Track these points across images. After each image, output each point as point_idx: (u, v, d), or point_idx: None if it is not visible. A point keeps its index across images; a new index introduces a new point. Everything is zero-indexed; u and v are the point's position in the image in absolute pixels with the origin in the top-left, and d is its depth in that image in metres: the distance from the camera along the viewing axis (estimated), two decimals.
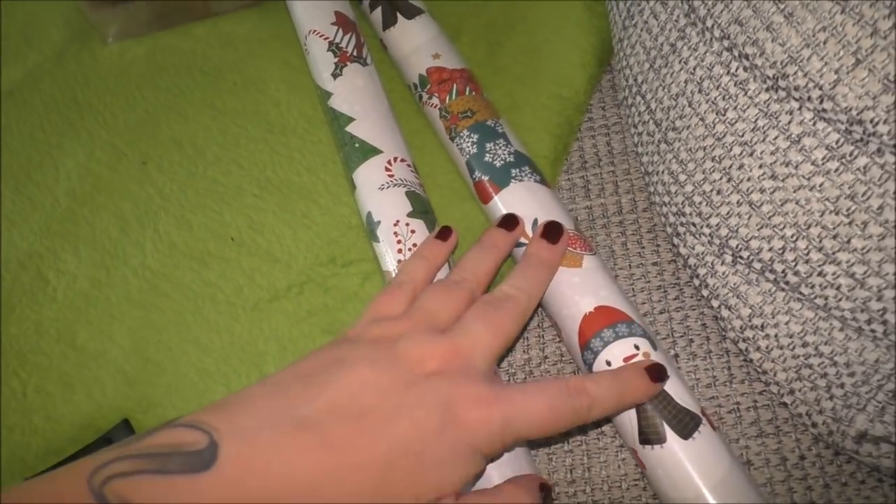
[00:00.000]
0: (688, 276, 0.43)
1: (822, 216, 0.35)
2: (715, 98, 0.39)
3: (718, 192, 0.39)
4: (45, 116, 0.54)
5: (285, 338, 0.43)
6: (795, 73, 0.34)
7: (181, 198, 0.49)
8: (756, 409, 0.41)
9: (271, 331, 0.44)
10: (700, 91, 0.40)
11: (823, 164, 0.34)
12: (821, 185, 0.34)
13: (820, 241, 0.35)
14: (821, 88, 0.33)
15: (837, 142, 0.34)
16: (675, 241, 0.43)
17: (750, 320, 0.39)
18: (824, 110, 0.33)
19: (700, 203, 0.40)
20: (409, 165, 0.44)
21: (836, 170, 0.34)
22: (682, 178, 0.41)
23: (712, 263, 0.41)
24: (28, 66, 0.57)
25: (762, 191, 0.37)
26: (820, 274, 0.35)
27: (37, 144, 0.53)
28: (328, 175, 0.49)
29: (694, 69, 0.40)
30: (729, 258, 0.40)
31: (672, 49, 0.42)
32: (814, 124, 0.34)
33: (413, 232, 0.41)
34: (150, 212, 0.49)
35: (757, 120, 0.37)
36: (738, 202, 0.38)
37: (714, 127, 0.39)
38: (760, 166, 0.37)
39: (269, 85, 0.53)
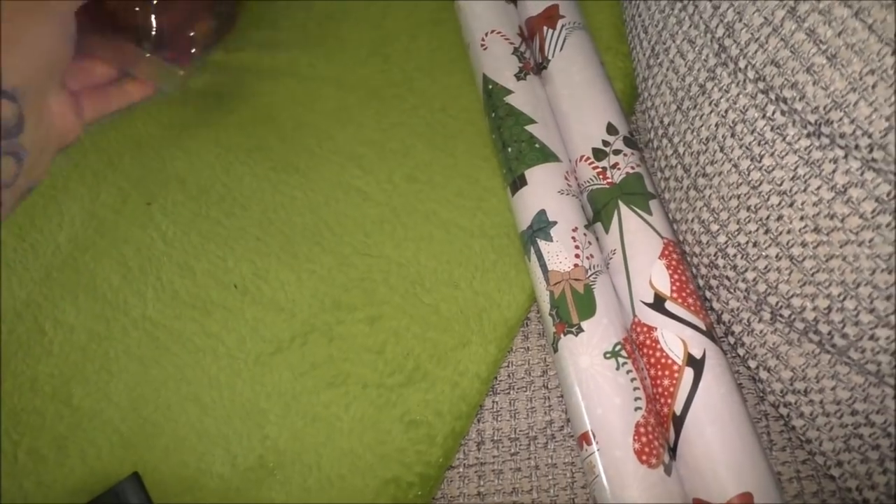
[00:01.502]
0: (721, 332, 0.40)
1: (872, 275, 0.31)
2: (749, 143, 0.36)
3: (755, 245, 0.36)
4: None
5: (288, 394, 0.41)
6: (841, 119, 0.31)
7: (184, 242, 0.47)
8: (799, 481, 0.37)
9: (273, 386, 0.41)
10: (733, 135, 0.37)
11: (873, 217, 0.31)
12: (871, 241, 0.31)
13: (871, 302, 0.32)
14: (870, 136, 0.30)
15: (889, 194, 0.30)
16: (707, 294, 0.40)
17: (792, 384, 0.36)
18: (874, 160, 0.30)
19: (734, 255, 0.37)
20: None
21: (889, 224, 0.31)
22: (714, 227, 0.38)
23: (749, 321, 0.38)
24: None
25: (804, 245, 0.34)
26: (871, 338, 0.32)
27: (41, 188, 0.51)
28: (330, 215, 0.47)
29: (725, 112, 0.37)
30: (767, 316, 0.37)
31: (701, 90, 0.39)
32: (861, 174, 0.31)
33: (590, 244, 0.41)
34: (153, 258, 0.47)
35: (797, 168, 0.34)
36: (777, 256, 0.35)
37: (749, 174, 0.36)
38: (802, 218, 0.34)
39: (276, 120, 0.51)
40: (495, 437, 0.40)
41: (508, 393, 0.41)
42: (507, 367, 0.42)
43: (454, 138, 0.50)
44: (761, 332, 0.37)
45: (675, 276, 0.39)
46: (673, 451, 0.36)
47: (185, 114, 0.53)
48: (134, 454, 0.40)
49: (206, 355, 0.43)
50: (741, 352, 0.39)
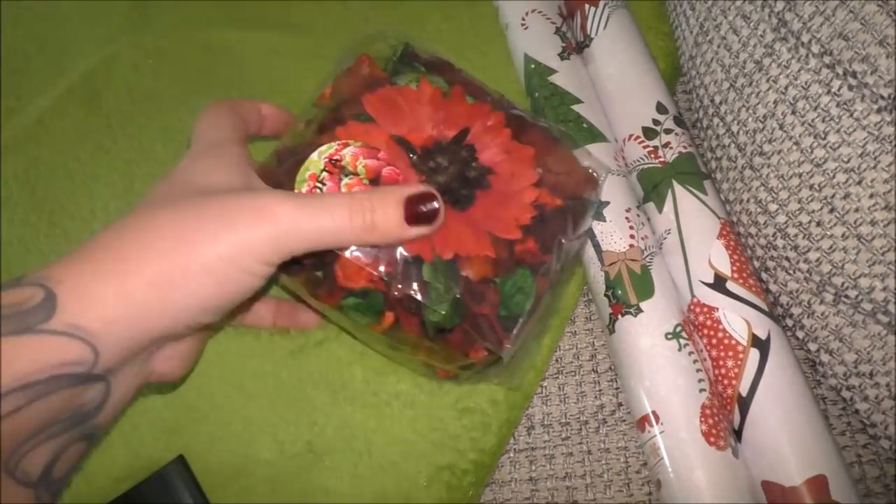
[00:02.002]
0: (779, 313, 0.39)
1: None
2: (812, 119, 0.35)
3: (818, 224, 0.35)
4: (78, 145, 0.52)
5: (336, 382, 0.40)
6: None
7: None
8: (861, 465, 0.36)
9: (320, 374, 0.40)
10: (793, 112, 0.36)
11: None
12: None
13: None
14: None
15: None
16: (764, 276, 0.39)
17: (856, 367, 0.35)
18: None
19: (795, 235, 0.37)
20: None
21: None
22: (773, 207, 0.38)
23: (809, 302, 0.37)
24: (58, 91, 0.54)
25: (874, 223, 0.33)
26: None
27: (72, 175, 0.50)
28: None
29: (785, 88, 0.37)
30: (830, 297, 0.36)
31: (757, 66, 0.38)
32: None
33: (643, 224, 0.40)
34: None
35: (866, 144, 0.33)
36: (843, 235, 0.34)
37: (812, 152, 0.35)
38: (871, 195, 0.33)
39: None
40: (545, 422, 0.40)
41: (557, 377, 0.41)
42: (555, 351, 0.41)
43: None
44: (823, 313, 0.36)
45: (735, 257, 0.38)
46: (737, 433, 0.35)
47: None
48: (178, 441, 0.40)
49: (249, 343, 0.42)
50: (800, 334, 0.38)
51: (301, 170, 0.33)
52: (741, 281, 0.37)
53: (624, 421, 0.39)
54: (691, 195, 0.40)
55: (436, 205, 0.30)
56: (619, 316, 0.38)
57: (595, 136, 0.43)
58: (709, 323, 0.37)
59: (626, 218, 0.40)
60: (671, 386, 0.35)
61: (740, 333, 0.36)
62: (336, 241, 0.30)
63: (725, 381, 0.36)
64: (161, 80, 0.54)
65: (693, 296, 0.38)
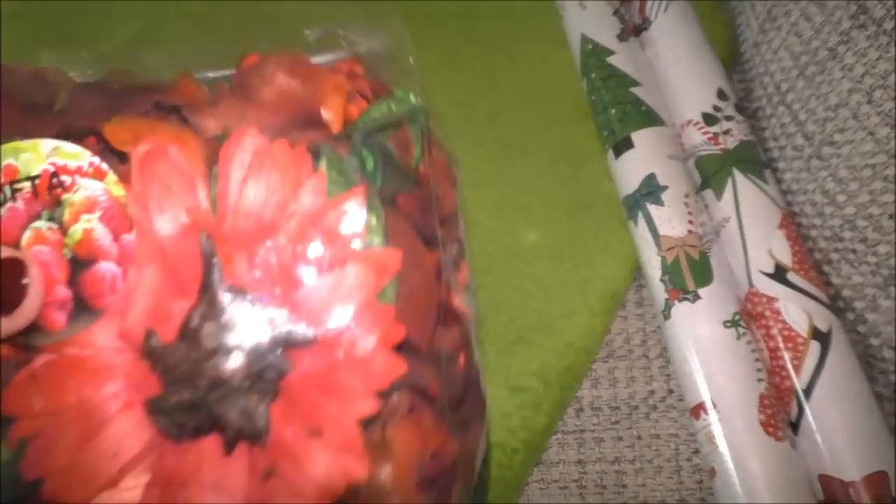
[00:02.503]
0: (840, 307, 0.39)
1: None
2: (889, 110, 0.34)
3: (890, 217, 0.35)
4: None
5: None
6: None
7: None
8: None
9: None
10: (869, 102, 0.35)
11: None
12: None
13: None
14: None
15: None
16: (826, 268, 0.39)
17: None
18: None
19: (864, 228, 0.36)
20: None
21: None
22: (841, 198, 0.37)
23: (874, 297, 0.36)
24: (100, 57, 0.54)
25: None
26: None
27: None
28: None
29: (861, 77, 0.36)
30: None
31: (831, 54, 0.38)
32: None
33: (701, 211, 0.39)
34: None
35: None
36: None
37: (888, 142, 0.34)
38: None
39: None
40: (595, 405, 0.39)
41: (607, 361, 0.40)
42: (607, 334, 0.41)
43: (546, 101, 0.48)
44: (888, 308, 0.36)
45: (797, 248, 0.37)
46: (794, 426, 0.35)
47: None
48: None
49: None
50: (862, 329, 0.37)
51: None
52: (802, 272, 0.37)
53: (675, 408, 0.38)
54: (752, 184, 0.39)
55: (24, 283, 0.20)
56: (676, 302, 0.37)
57: (653, 119, 0.42)
58: (767, 313, 0.37)
59: (685, 203, 0.39)
60: (729, 374, 0.35)
61: (801, 325, 0.36)
62: None
63: (783, 373, 0.35)
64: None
65: (751, 285, 0.38)
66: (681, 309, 0.37)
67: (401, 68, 0.29)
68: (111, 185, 0.20)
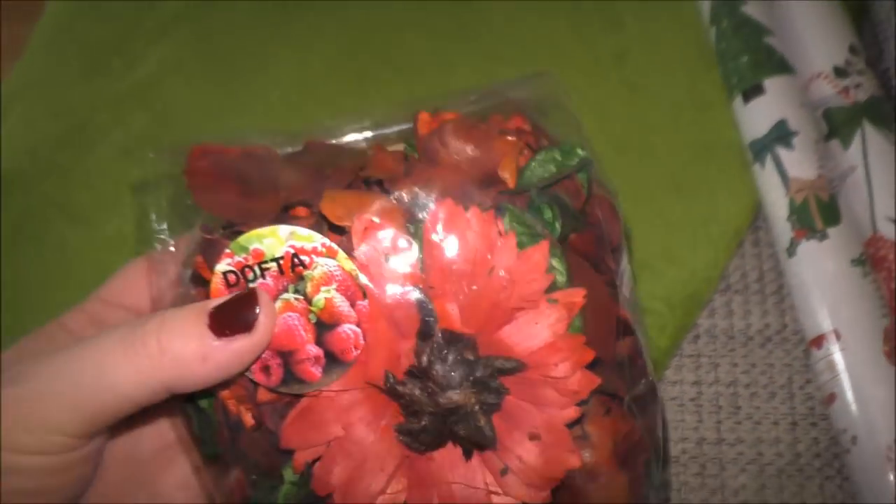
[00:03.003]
0: None
1: None
2: None
3: None
4: (254, 22, 0.53)
5: None
6: None
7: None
8: None
9: None
10: None
11: None
12: None
13: None
14: None
15: None
16: None
17: None
18: None
19: None
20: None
21: None
22: None
23: None
24: None
25: None
26: None
27: (248, 48, 0.52)
28: None
29: None
30: None
31: None
32: None
33: (830, 158, 0.41)
34: None
35: None
36: None
37: None
38: None
39: (489, 11, 0.51)
40: (712, 333, 0.42)
41: (724, 294, 0.43)
42: (725, 269, 0.43)
43: (671, 48, 0.49)
44: None
45: None
46: None
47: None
48: None
49: None
50: None
51: (240, 238, 0.24)
52: None
53: (789, 341, 0.41)
54: (882, 136, 0.41)
55: (256, 310, 0.23)
56: (803, 240, 0.39)
57: (785, 68, 0.44)
58: (890, 256, 0.39)
59: (816, 149, 0.41)
60: (855, 308, 0.37)
61: None
62: (132, 390, 0.23)
63: None
64: None
65: (875, 230, 0.40)
66: (808, 247, 0.39)
67: (562, 117, 0.30)
68: (342, 261, 0.23)
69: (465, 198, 0.24)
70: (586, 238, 0.27)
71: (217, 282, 0.24)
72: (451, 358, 0.23)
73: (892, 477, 0.34)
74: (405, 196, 0.24)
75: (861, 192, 0.41)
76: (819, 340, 0.38)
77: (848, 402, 0.36)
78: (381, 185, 0.25)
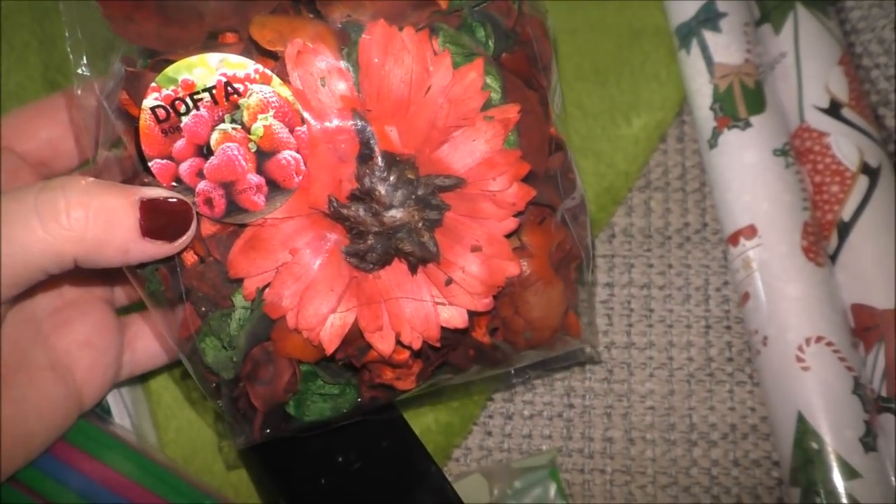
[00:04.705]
0: (893, 149, 0.38)
1: None
2: None
3: None
4: None
5: None
6: None
7: None
8: None
9: None
10: None
11: None
12: None
13: None
14: None
15: None
16: (881, 110, 0.38)
17: None
18: None
19: None
20: None
21: None
22: None
23: None
24: None
25: None
26: None
27: None
28: None
29: None
30: None
31: None
32: None
33: (759, 42, 0.39)
34: None
35: None
36: None
37: None
38: None
39: None
40: (628, 232, 0.39)
41: (643, 191, 0.40)
42: (645, 165, 0.40)
43: None
44: None
45: (854, 85, 0.36)
46: (831, 258, 0.35)
47: None
48: None
49: None
50: None
51: (168, 69, 0.23)
52: (858, 109, 0.36)
53: (708, 241, 0.38)
54: (815, 19, 0.38)
55: (189, 228, 0.24)
56: (725, 129, 0.36)
57: None
58: (816, 148, 0.36)
59: (744, 31, 0.38)
60: (775, 200, 0.34)
61: (850, 160, 0.35)
62: (45, 261, 0.22)
63: (826, 207, 0.35)
64: None
65: (802, 121, 0.37)
66: (729, 137, 0.36)
67: None
68: (278, 88, 0.23)
69: (398, 19, 0.24)
70: (518, 57, 0.27)
71: (146, 118, 0.23)
72: (392, 178, 0.24)
73: (801, 378, 0.32)
74: (338, 18, 0.24)
75: (790, 80, 0.37)
76: (736, 237, 0.35)
77: (761, 300, 0.34)
78: (313, 7, 0.24)
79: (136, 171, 0.24)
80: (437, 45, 0.24)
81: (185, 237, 0.24)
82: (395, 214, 0.24)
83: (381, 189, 0.24)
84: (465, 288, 0.25)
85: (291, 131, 0.23)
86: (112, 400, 0.33)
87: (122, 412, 0.33)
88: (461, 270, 0.25)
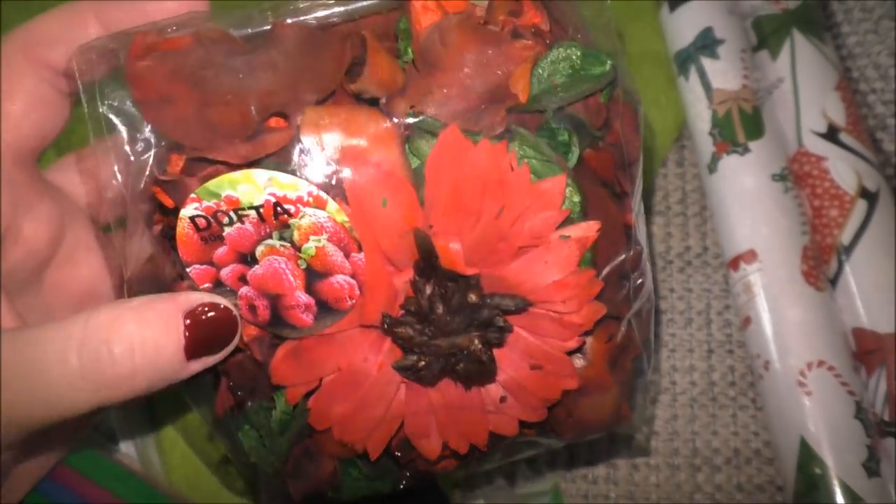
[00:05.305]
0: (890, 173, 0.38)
1: None
2: None
3: None
4: None
5: None
6: None
7: None
8: None
9: None
10: None
11: None
12: None
13: None
14: None
15: None
16: (879, 134, 0.38)
17: None
18: None
19: None
20: None
21: None
22: None
23: None
24: None
25: None
26: None
27: None
28: None
29: None
30: None
31: None
32: None
33: (757, 68, 0.38)
34: None
35: None
36: None
37: None
38: None
39: None
40: None
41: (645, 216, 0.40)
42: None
43: None
44: None
45: (851, 110, 0.37)
46: (832, 282, 0.35)
47: None
48: None
49: None
50: None
51: (209, 184, 0.20)
52: (855, 133, 0.36)
53: (709, 265, 0.38)
54: (811, 45, 0.38)
55: (234, 337, 0.21)
56: (724, 154, 0.37)
57: None
58: (815, 173, 0.36)
59: (742, 58, 0.38)
60: (774, 226, 0.35)
61: (849, 184, 0.35)
62: (59, 410, 0.19)
63: (825, 231, 0.35)
64: None
65: (800, 145, 0.37)
66: (729, 162, 0.36)
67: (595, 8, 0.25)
68: (334, 213, 0.20)
69: (470, 118, 0.21)
70: (603, 157, 0.24)
71: (184, 227, 0.21)
72: (453, 302, 0.21)
73: (804, 403, 0.32)
74: (401, 112, 0.21)
75: (787, 105, 0.38)
76: (736, 262, 0.35)
77: (762, 325, 0.34)
78: (378, 104, 0.21)
79: (174, 277, 0.22)
80: (515, 159, 0.21)
81: (229, 347, 0.21)
82: (454, 340, 0.22)
83: (440, 309, 0.21)
84: (520, 401, 0.23)
85: (347, 256, 0.21)
86: (117, 426, 0.33)
87: (127, 438, 0.33)
88: (518, 386, 0.23)
